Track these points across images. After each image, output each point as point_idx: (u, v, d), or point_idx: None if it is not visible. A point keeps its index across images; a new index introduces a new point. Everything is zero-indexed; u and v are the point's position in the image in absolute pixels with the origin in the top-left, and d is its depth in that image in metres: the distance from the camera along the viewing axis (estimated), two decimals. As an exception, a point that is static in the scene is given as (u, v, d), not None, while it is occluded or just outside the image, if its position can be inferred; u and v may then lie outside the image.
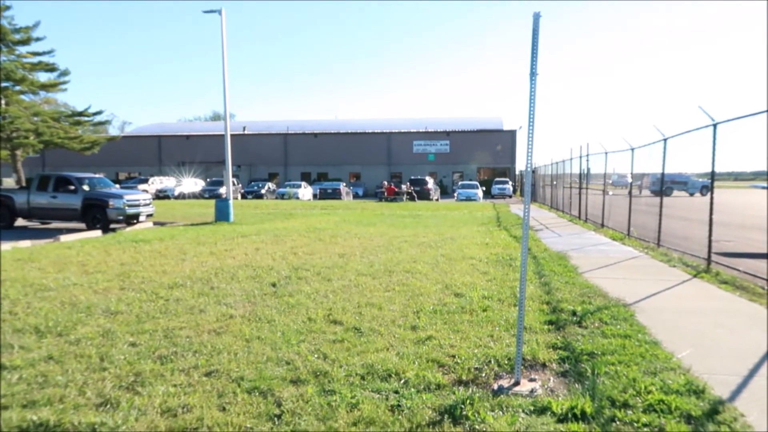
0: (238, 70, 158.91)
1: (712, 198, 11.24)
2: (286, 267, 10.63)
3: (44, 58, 36.73)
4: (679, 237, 14.72)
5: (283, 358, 5.31)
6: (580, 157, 24.78)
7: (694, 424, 3.97)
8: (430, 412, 4.14)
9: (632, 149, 17.57)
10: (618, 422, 4.00)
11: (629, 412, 4.15)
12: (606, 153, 21.02)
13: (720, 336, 6.35)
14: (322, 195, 49.41)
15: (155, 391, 4.50)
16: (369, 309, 7.32)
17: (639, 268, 11.43)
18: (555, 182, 34.58)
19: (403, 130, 66.71)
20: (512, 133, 65.44)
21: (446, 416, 4.06)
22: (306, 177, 65.23)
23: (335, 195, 49.38)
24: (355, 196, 55.19)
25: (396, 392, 4.51)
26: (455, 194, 51.09)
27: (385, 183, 48.85)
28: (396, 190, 46.49)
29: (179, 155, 67.14)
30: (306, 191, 51.65)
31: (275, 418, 4.04)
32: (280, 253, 12.57)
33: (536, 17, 4.41)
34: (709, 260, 11.06)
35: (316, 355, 5.42)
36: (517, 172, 65.56)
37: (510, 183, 58.72)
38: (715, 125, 10.87)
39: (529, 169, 4.73)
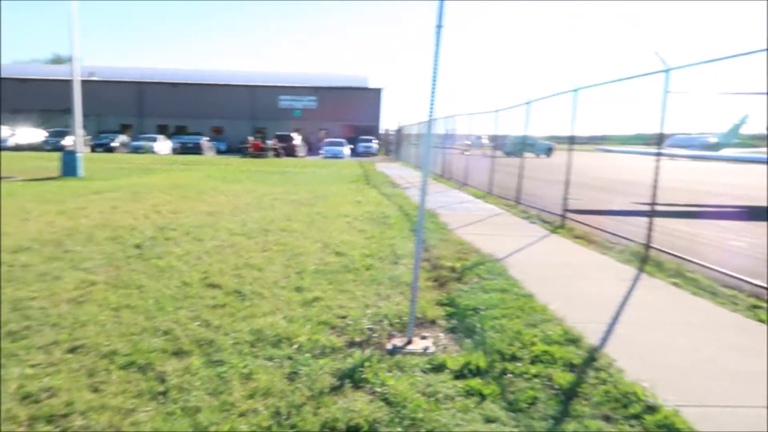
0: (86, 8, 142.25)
1: (569, 160, 12.10)
2: (150, 227, 9.81)
3: None
4: (536, 195, 15.80)
5: (160, 328, 4.86)
6: (446, 118, 25.58)
7: (576, 371, 4.24)
8: (329, 377, 4.00)
9: (496, 111, 18.42)
10: (510, 375, 4.15)
11: (518, 364, 4.33)
12: (471, 115, 21.87)
13: (583, 287, 6.88)
14: (182, 149, 46.57)
15: (9, 374, 3.89)
16: (248, 270, 6.97)
17: (503, 224, 12.10)
18: (417, 142, 35.51)
19: (268, 84, 64.37)
20: (378, 92, 65.89)
21: (346, 380, 3.95)
22: (163, 130, 60.64)
23: (196, 150, 46.80)
24: (218, 151, 52.72)
25: (290, 358, 4.31)
26: (322, 151, 50.69)
27: (251, 138, 47.16)
28: (262, 145, 45.07)
29: (14, 101, 59.23)
30: (164, 145, 48.30)
31: (160, 396, 3.66)
32: (141, 211, 11.58)
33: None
34: (563, 217, 11.98)
35: (197, 323, 5.03)
36: (381, 131, 66.43)
37: (375, 141, 59.43)
38: (576, 91, 11.62)
39: (430, 128, 4.64)
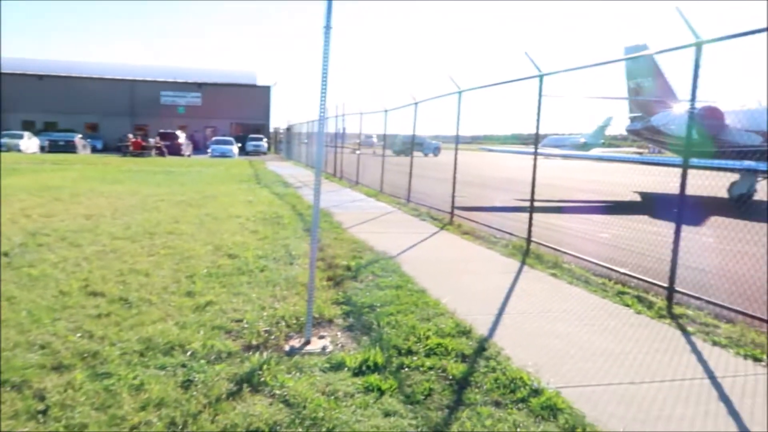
0: None
1: (456, 159, 12.61)
2: (18, 232, 8.99)
3: None
4: (425, 193, 16.31)
5: (36, 342, 4.49)
6: (336, 116, 25.64)
7: (468, 361, 4.46)
8: (226, 382, 3.91)
9: (385, 111, 18.77)
10: (407, 369, 4.28)
11: (414, 357, 4.48)
12: (361, 114, 22.11)
13: (472, 280, 7.23)
14: (52, 148, 42.92)
15: None
16: (134, 276, 6.61)
17: (395, 222, 12.38)
18: (308, 141, 35.32)
19: (149, 79, 60.96)
20: (267, 89, 64.70)
21: (244, 385, 3.88)
22: (29, 126, 55.41)
23: (69, 148, 43.35)
24: (93, 149, 49.14)
25: (184, 366, 4.15)
26: (209, 150, 48.91)
27: (130, 136, 44.52)
28: (143, 144, 42.70)
29: None
30: (31, 143, 44.26)
31: (40, 415, 3.39)
32: (7, 215, 10.57)
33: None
34: (452, 214, 12.47)
35: (78, 335, 4.70)
36: (271, 129, 65.32)
37: (265, 140, 58.32)
38: (460, 93, 12.14)
39: (322, 129, 4.66)
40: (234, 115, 62.85)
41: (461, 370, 4.27)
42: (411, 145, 17.39)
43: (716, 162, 14.98)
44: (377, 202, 16.19)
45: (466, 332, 5.08)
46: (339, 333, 5.13)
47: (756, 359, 4.75)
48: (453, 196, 12.53)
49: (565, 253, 8.48)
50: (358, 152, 23.55)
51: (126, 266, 7.09)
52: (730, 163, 16.35)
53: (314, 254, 5.04)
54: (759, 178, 17.17)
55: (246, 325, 5.08)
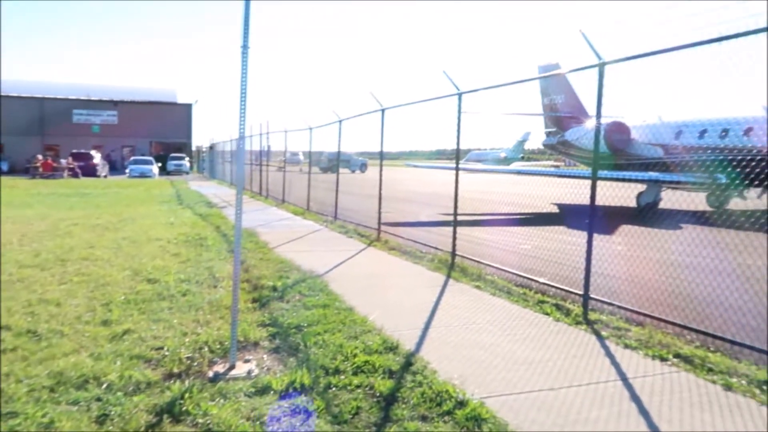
0: None
1: (381, 176, 12.75)
2: None
3: None
4: (352, 210, 16.36)
5: (-69, 384, 4.14)
6: (261, 134, 25.35)
7: (396, 377, 4.49)
8: (145, 414, 3.74)
9: (310, 129, 18.73)
10: (334, 388, 4.26)
11: (342, 376, 4.46)
12: (286, 132, 21.95)
13: (399, 296, 7.30)
14: (-51, 171, 39.86)
15: None
16: (44, 307, 6.23)
17: (323, 240, 12.34)
18: (232, 159, 34.67)
19: (59, 96, 57.95)
20: (188, 107, 63.09)
21: (165, 415, 3.73)
22: None
23: (-32, 171, 40.38)
24: (-2, 172, 46.04)
25: (99, 400, 3.94)
26: (127, 170, 46.97)
27: (40, 157, 42.07)
28: (54, 165, 40.46)
29: None
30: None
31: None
32: None
33: (246, -10, 4.26)
34: (379, 230, 12.57)
35: (-20, 373, 4.37)
36: (194, 148, 63.62)
37: (187, 159, 56.73)
38: (383, 110, 12.31)
39: (242, 146, 4.60)
40: (153, 133, 60.80)
41: (388, 386, 4.30)
42: (337, 162, 17.42)
43: (624, 174, 15.94)
44: (304, 221, 16.09)
45: (393, 348, 5.13)
46: (265, 356, 5.04)
47: (662, 359, 5.05)
48: (379, 213, 12.64)
49: (488, 265, 8.73)
50: (284, 170, 23.33)
51: (35, 296, 6.67)
52: (636, 174, 17.43)
53: (237, 275, 4.94)
54: (663, 188, 18.37)
55: (167, 353, 4.90)
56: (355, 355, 4.87)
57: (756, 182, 16.09)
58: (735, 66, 5.29)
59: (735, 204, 18.60)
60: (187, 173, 52.85)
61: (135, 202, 20.19)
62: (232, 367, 4.66)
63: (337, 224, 14.80)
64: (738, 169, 15.75)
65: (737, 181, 16.63)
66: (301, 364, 4.65)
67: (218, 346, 5.08)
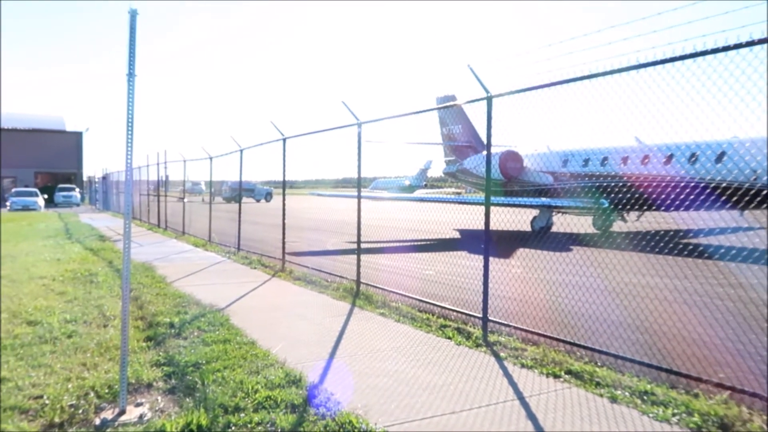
0: None
1: (284, 205, 12.60)
2: None
3: None
4: (257, 240, 16.03)
5: None
6: (158, 164, 24.36)
7: (299, 411, 4.39)
8: (19, 472, 3.41)
9: (210, 158, 18.25)
10: (234, 427, 4.10)
11: (242, 414, 4.30)
12: (185, 161, 21.24)
13: (303, 327, 7.19)
14: None
15: None
16: None
17: (225, 272, 11.96)
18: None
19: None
20: (78, 135, 59.58)
21: (43, 471, 3.41)
22: None
23: None
24: None
25: (-36, 460, 3.55)
26: (8, 203, 43.33)
27: None
28: None
29: None
30: None
31: None
32: None
33: (133, 14, 4.13)
34: (283, 260, 12.37)
35: None
36: (85, 178, 59.97)
37: (78, 190, 53.37)
38: (284, 139, 12.25)
39: (129, 177, 4.39)
40: (39, 163, 56.77)
41: (291, 421, 4.20)
42: (239, 192, 17.05)
43: (518, 200, 16.80)
44: (206, 252, 15.54)
45: (296, 381, 5.02)
46: (159, 397, 4.76)
47: (556, 376, 5.31)
48: (283, 242, 12.46)
49: (392, 292, 8.82)
50: (184, 200, 22.48)
51: None
52: (529, 200, 18.43)
53: (127, 312, 4.66)
54: (555, 212, 19.53)
55: (47, 402, 4.50)
56: (256, 391, 4.72)
57: (632, 206, 17.50)
58: (604, 99, 5.78)
59: (618, 226, 20.12)
60: (78, 205, 49.64)
61: (15, 237, 18.62)
62: (122, 412, 4.37)
63: (240, 255, 14.41)
64: (616, 194, 17.07)
65: (616, 205, 18.01)
66: (199, 404, 4.44)
67: (107, 391, 4.75)
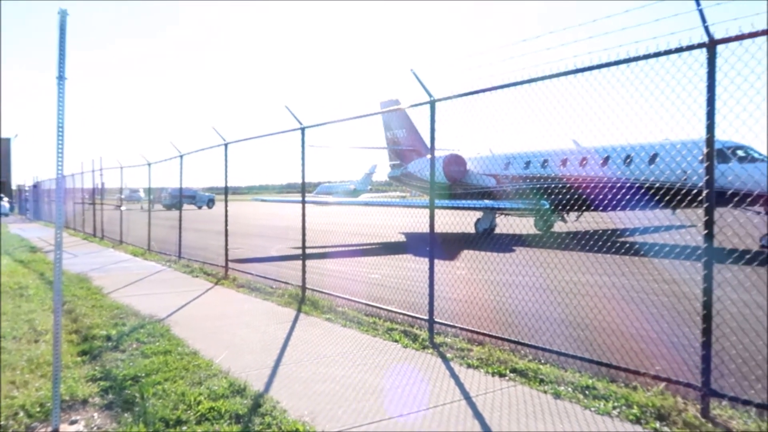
0: None
1: (226, 211, 12.33)
2: None
3: None
4: (198, 247, 15.64)
5: None
6: (93, 171, 23.42)
7: (243, 421, 4.29)
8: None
9: (149, 164, 17.70)
10: (175, 441, 3.96)
11: (184, 427, 4.16)
12: (121, 168, 20.51)
13: (248, 335, 7.05)
14: None
15: None
16: None
17: (165, 281, 11.60)
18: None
19: None
20: (6, 142, 56.62)
21: (-34, 499, 3.19)
22: None
23: None
24: None
25: None
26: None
27: None
28: None
29: None
30: None
31: None
32: None
33: (63, 15, 3.94)
34: (226, 268, 12.11)
35: None
36: (14, 187, 57.02)
37: (6, 199, 50.65)
38: (226, 144, 12.01)
39: (60, 184, 4.18)
40: (-38, 171, 53.55)
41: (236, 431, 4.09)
42: (180, 199, 16.60)
43: (462, 202, 17.08)
44: (145, 261, 15.03)
45: (240, 390, 4.90)
46: (96, 414, 4.55)
47: (501, 375, 5.40)
48: (226, 249, 12.20)
49: (338, 297, 8.77)
50: (122, 208, 21.68)
51: None
52: (473, 203, 18.75)
53: (59, 325, 4.43)
54: (498, 214, 19.94)
55: (-29, 424, 4.23)
56: (199, 403, 4.58)
57: (571, 207, 18.09)
58: (543, 103, 5.95)
59: (559, 227, 20.74)
60: (7, 215, 47.05)
61: (-64, 251, 17.47)
62: (55, 431, 4.14)
63: (181, 264, 14.00)
64: (556, 196, 17.61)
65: (557, 206, 18.58)
66: (138, 419, 4.27)
67: (38, 409, 4.50)
